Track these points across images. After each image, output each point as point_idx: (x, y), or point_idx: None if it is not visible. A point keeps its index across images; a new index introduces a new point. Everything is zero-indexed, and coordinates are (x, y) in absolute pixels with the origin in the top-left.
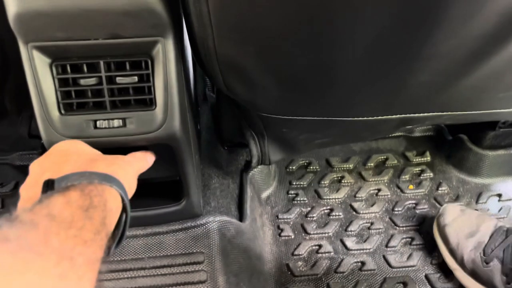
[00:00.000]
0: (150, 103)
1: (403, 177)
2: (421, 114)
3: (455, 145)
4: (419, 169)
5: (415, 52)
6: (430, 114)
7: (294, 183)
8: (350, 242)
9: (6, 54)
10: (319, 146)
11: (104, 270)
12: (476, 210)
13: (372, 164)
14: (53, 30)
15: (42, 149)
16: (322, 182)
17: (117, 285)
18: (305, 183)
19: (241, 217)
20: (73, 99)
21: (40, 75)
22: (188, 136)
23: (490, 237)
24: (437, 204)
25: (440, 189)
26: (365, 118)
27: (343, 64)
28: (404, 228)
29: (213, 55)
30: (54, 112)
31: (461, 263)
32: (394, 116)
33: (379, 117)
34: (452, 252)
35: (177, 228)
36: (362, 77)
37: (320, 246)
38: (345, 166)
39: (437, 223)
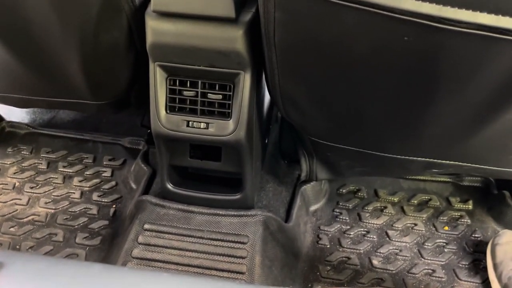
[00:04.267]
0: (227, 115)
1: (441, 218)
2: (443, 161)
3: (498, 199)
4: (459, 214)
5: (424, 110)
6: (451, 162)
7: (340, 204)
8: (376, 261)
9: (140, 66)
10: (359, 174)
11: (173, 232)
12: None
13: (415, 202)
14: (172, 56)
15: (148, 137)
16: (366, 208)
17: (181, 246)
18: (350, 205)
19: (286, 219)
20: (176, 104)
21: (158, 84)
22: (251, 144)
23: None
24: (466, 248)
25: (473, 235)
26: (394, 155)
27: (369, 109)
28: (429, 261)
29: (277, 88)
30: (162, 111)
31: (499, 277)
32: (419, 159)
33: (406, 157)
34: (495, 266)
35: (232, 214)
36: (386, 121)
37: (349, 258)
38: (390, 198)
39: (492, 241)
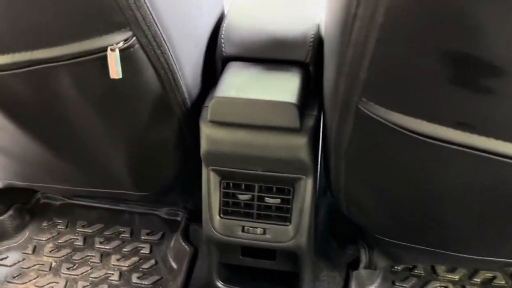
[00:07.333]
0: (286, 220)
1: None
2: None
3: None
4: None
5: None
6: None
7: (396, 284)
8: None
9: (187, 161)
10: (422, 262)
11: None
12: None
13: (478, 280)
14: (226, 162)
15: (189, 215)
16: None
17: None
18: (407, 286)
19: None
20: (230, 207)
21: (212, 188)
22: (311, 246)
23: None
24: None
25: None
26: (469, 256)
27: (447, 214)
28: None
29: (342, 192)
30: (216, 216)
31: None
32: (497, 259)
33: (482, 257)
34: None
35: None
36: (466, 225)
37: None
38: (450, 276)
39: None
